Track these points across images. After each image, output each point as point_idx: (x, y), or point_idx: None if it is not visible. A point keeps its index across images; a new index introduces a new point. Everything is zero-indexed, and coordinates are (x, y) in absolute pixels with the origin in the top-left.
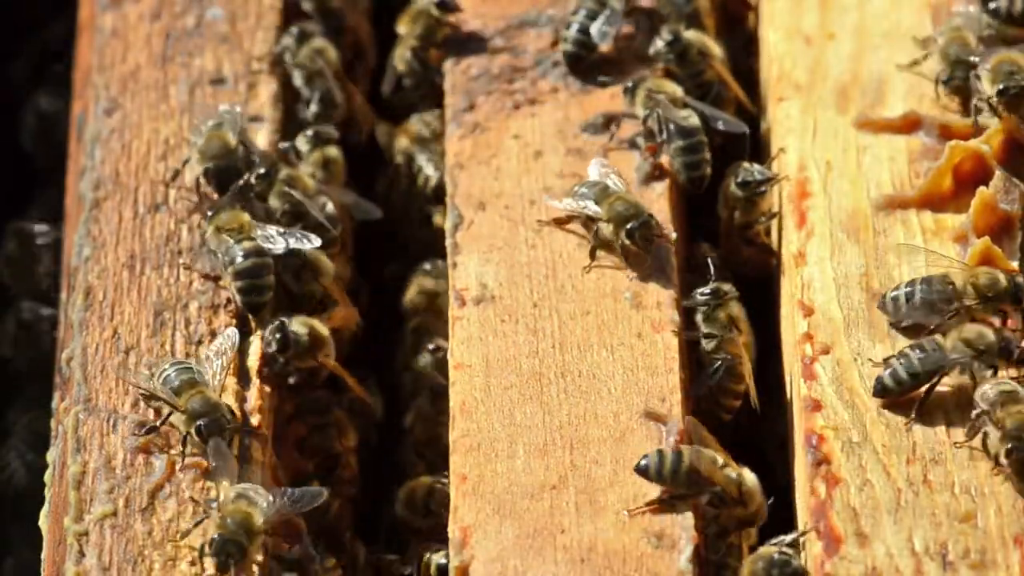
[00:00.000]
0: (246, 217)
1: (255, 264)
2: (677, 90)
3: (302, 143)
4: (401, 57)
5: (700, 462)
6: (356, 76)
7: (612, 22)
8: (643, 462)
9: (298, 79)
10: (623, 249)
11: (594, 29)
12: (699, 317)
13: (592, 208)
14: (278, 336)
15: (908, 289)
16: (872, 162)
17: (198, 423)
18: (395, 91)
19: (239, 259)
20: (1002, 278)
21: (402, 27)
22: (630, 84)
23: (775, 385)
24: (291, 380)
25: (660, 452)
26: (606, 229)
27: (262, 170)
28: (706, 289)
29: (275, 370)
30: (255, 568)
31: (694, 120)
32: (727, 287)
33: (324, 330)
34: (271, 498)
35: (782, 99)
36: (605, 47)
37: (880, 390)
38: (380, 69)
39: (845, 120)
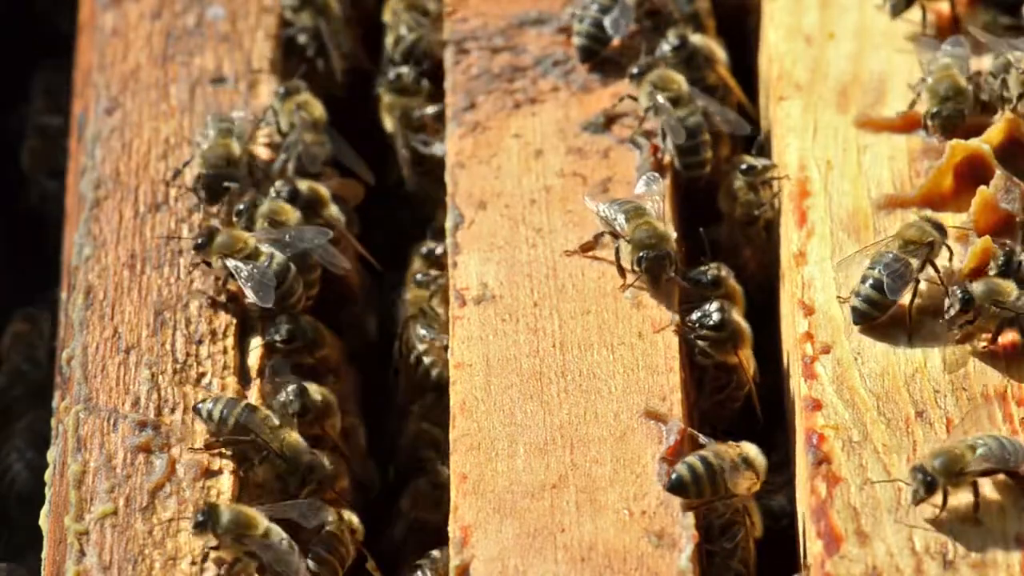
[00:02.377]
0: (246, 235)
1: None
2: (683, 84)
3: (275, 103)
4: (401, 150)
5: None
6: None
7: (626, 14)
8: (674, 476)
9: (303, 37)
10: (635, 271)
11: (608, 21)
12: (703, 343)
13: (620, 224)
14: (300, 401)
15: (869, 280)
16: (873, 161)
17: (310, 480)
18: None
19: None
20: (928, 230)
21: (387, 124)
22: (635, 71)
23: (775, 384)
24: None
25: (688, 464)
26: (624, 249)
27: (241, 206)
28: (711, 322)
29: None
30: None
31: (695, 119)
32: (727, 309)
33: (332, 397)
34: (277, 532)
35: (783, 98)
36: (617, 40)
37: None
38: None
39: (845, 119)
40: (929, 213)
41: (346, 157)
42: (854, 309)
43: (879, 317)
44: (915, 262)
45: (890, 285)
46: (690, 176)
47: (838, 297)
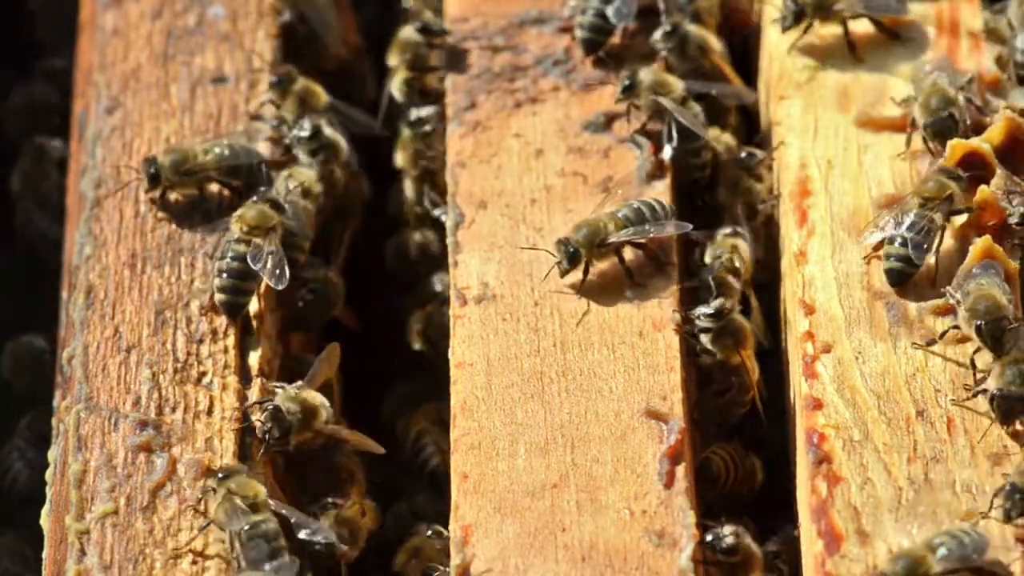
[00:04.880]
0: (275, 219)
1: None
2: (678, 85)
3: (273, 95)
4: (397, 87)
5: None
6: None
7: (629, 3)
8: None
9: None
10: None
11: (611, 10)
12: (704, 337)
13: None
14: (274, 420)
15: (897, 240)
16: (873, 160)
17: None
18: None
19: (228, 258)
20: (946, 182)
21: (392, 59)
22: (627, 82)
23: (776, 384)
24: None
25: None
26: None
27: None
28: (709, 311)
29: (272, 448)
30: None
31: (701, 120)
32: (729, 304)
33: (314, 398)
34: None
35: (783, 98)
36: (618, 39)
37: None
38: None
39: (846, 118)
40: (944, 163)
41: (356, 124)
42: (888, 272)
43: (913, 274)
44: (938, 217)
45: (916, 241)
46: (691, 178)
47: (864, 257)
